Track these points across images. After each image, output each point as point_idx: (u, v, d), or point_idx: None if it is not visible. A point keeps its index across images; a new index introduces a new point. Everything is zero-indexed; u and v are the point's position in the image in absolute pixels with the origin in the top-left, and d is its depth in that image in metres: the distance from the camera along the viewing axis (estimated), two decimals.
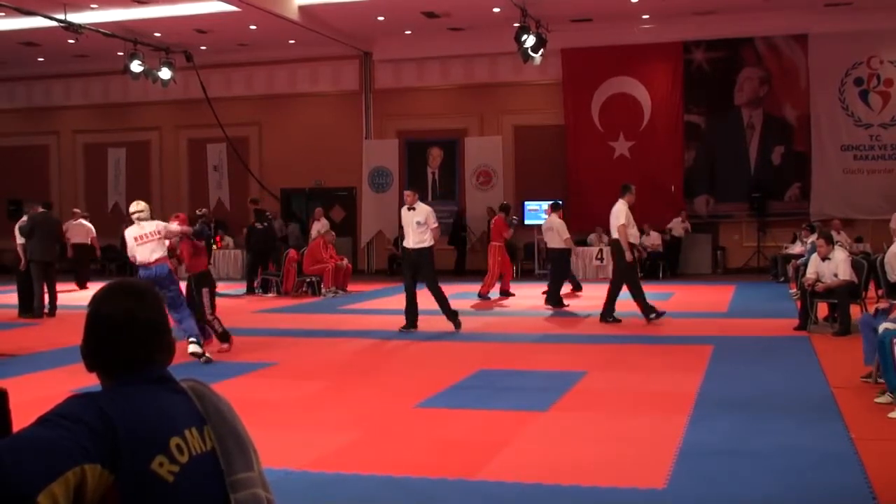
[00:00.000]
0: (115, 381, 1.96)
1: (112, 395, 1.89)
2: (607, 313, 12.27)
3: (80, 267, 19.10)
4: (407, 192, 12.21)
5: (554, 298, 14.31)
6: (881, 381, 7.46)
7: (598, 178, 20.93)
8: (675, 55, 20.82)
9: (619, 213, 12.26)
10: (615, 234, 12.35)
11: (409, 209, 11.94)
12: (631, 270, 12.34)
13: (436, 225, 11.94)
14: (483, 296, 15.72)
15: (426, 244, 11.79)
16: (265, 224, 17.86)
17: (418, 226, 11.76)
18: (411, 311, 11.79)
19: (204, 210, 19.66)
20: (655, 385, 7.94)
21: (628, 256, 12.12)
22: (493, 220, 16.71)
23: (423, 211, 11.86)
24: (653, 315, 12.06)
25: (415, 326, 11.80)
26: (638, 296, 12.18)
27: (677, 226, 20.01)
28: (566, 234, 14.52)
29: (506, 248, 16.41)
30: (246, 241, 18.58)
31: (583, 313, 13.64)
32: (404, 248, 12.19)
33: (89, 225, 19.21)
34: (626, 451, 5.73)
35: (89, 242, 18.91)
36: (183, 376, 2.09)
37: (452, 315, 11.79)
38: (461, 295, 16.27)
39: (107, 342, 1.97)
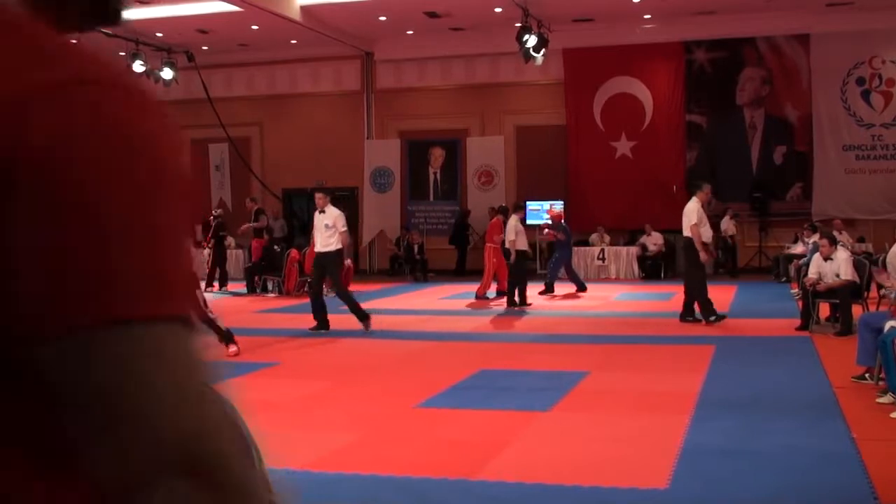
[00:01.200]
0: None
1: None
2: (708, 313, 11.93)
3: None
4: (318, 195, 12.24)
5: (510, 299, 14.47)
6: (882, 381, 7.47)
7: (600, 178, 20.95)
8: (676, 55, 20.81)
9: (691, 212, 12.00)
10: (687, 233, 12.11)
11: (319, 212, 12.02)
12: (700, 270, 12.17)
13: (344, 229, 12.00)
14: (480, 296, 15.72)
15: (332, 247, 11.87)
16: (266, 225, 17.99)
17: (326, 229, 11.85)
18: (319, 313, 11.94)
19: (219, 211, 19.69)
20: (657, 385, 7.93)
21: (702, 256, 11.89)
22: (491, 221, 16.72)
23: (332, 214, 11.93)
24: (713, 318, 11.85)
25: (326, 327, 11.91)
26: (699, 294, 11.98)
27: (728, 225, 19.27)
28: (511, 237, 14.51)
29: (501, 249, 16.39)
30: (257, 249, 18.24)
31: (590, 313, 13.64)
32: (316, 253, 12.29)
33: None
34: (627, 452, 5.72)
35: None
36: None
37: (363, 316, 11.83)
38: (462, 295, 16.27)
39: None
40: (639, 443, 5.94)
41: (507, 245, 14.59)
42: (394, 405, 7.28)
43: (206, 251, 19.31)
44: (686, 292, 12.25)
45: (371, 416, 6.91)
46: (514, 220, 14.69)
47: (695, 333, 11.17)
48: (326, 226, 11.88)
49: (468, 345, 10.63)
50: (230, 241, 21.36)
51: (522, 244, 14.76)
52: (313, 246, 17.28)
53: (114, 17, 0.89)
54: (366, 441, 6.17)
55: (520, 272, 14.71)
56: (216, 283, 18.24)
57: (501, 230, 15.91)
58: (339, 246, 11.99)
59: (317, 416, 7.06)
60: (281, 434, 6.15)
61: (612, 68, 21.06)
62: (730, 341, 10.45)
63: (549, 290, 16.19)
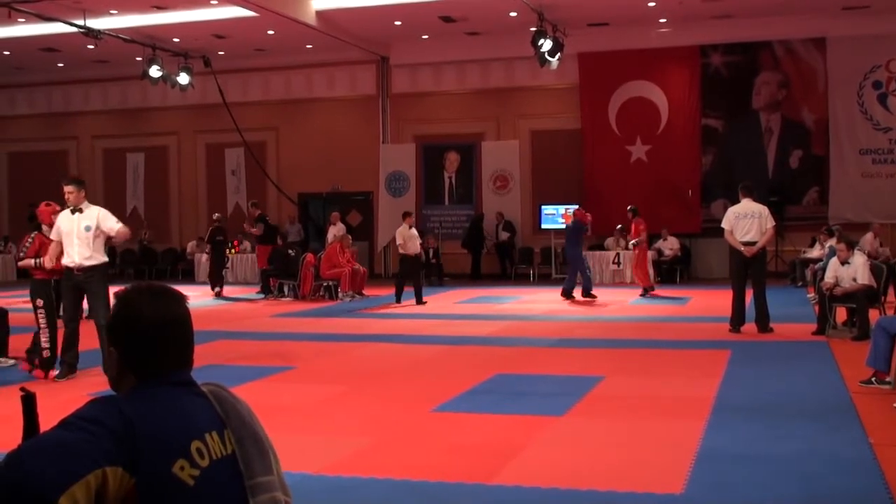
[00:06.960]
0: (137, 384, 1.98)
1: (134, 399, 1.90)
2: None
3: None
4: (69, 188, 8.55)
5: (417, 297, 15.82)
6: (887, 384, 7.45)
7: (615, 182, 20.92)
8: (692, 59, 20.77)
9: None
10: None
11: (73, 212, 8.57)
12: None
13: (119, 225, 8.67)
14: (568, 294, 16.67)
15: (96, 261, 8.58)
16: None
17: (86, 232, 8.51)
18: (72, 345, 8.82)
19: (217, 216, 19.73)
20: (673, 390, 7.92)
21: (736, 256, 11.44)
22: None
23: (92, 214, 8.61)
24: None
25: (73, 371, 8.86)
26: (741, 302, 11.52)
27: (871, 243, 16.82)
28: (400, 241, 15.91)
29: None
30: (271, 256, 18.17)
31: (605, 318, 13.62)
32: (67, 269, 8.61)
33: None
34: (643, 456, 5.72)
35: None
36: (203, 380, 2.10)
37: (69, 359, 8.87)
38: (477, 300, 16.26)
39: (131, 344, 1.98)
40: (654, 447, 5.94)
41: (401, 251, 15.95)
42: (409, 409, 7.29)
43: (205, 256, 19.36)
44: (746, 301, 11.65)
45: (387, 421, 6.92)
46: (401, 227, 15.97)
47: (711, 338, 11.13)
48: (87, 228, 8.52)
49: (484, 349, 10.63)
50: (245, 244, 21.48)
51: (413, 248, 16.05)
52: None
53: None
54: (381, 445, 6.18)
55: (411, 273, 16.05)
56: (219, 288, 18.10)
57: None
58: (105, 258, 8.72)
59: (332, 420, 7.08)
60: (297, 438, 6.18)
61: (627, 72, 21.04)
62: (746, 346, 10.42)
63: (567, 295, 16.16)
